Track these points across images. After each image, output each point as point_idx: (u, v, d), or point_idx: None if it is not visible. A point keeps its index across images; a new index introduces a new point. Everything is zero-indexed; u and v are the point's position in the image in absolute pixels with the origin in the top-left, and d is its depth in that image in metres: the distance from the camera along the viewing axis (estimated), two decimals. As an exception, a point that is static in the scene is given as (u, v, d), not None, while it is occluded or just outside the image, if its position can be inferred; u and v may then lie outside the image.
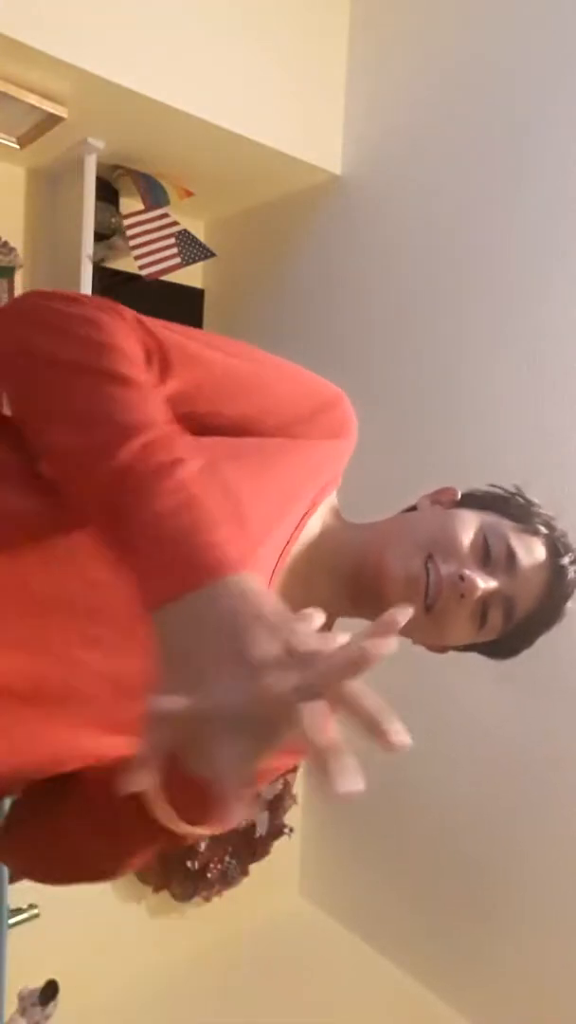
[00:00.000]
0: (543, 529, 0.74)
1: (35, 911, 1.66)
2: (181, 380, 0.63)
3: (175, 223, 2.25)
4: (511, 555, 0.71)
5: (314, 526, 0.75)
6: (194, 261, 2.30)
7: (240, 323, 2.67)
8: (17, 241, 2.28)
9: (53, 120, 1.96)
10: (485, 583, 0.69)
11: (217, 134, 2.07)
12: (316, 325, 2.39)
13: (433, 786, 2.05)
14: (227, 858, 2.15)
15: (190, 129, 2.05)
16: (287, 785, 2.27)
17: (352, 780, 0.38)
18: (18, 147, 2.13)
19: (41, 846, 0.68)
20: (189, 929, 2.16)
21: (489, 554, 0.71)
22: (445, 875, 2.03)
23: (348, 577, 0.73)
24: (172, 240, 2.24)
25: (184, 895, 2.11)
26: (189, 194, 2.42)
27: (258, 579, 0.47)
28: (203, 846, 2.05)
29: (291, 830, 2.29)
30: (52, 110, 1.91)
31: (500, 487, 0.79)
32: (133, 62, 1.86)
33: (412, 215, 2.13)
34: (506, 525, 0.73)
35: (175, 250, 2.24)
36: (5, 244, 2.23)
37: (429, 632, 0.72)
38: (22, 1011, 1.79)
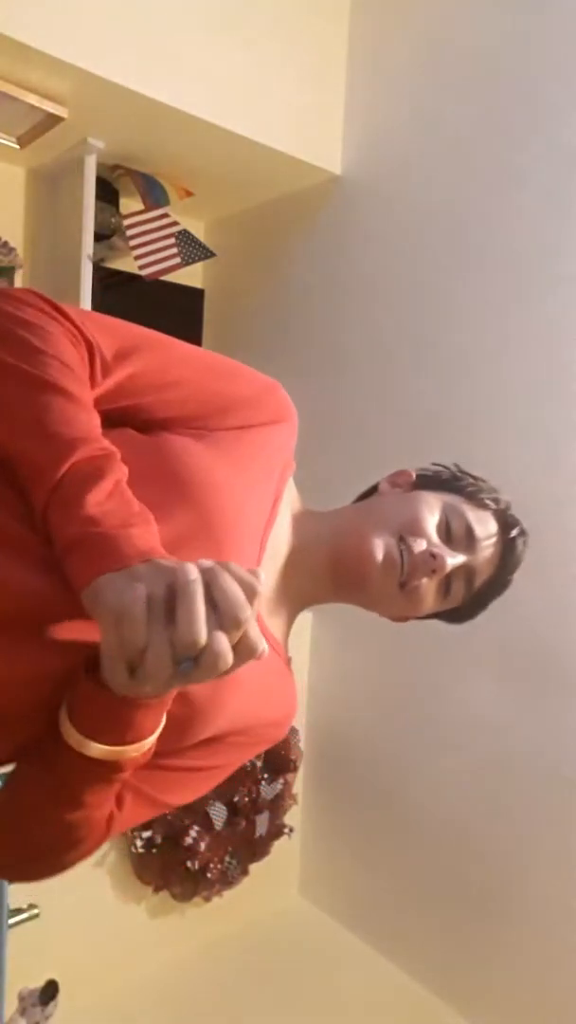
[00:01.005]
0: (492, 505, 0.82)
1: (35, 911, 1.66)
2: (122, 373, 0.68)
3: (175, 223, 2.25)
4: (470, 532, 0.79)
5: (284, 516, 0.79)
6: (194, 261, 2.30)
7: (240, 323, 2.67)
8: (17, 241, 2.28)
9: (53, 120, 1.96)
10: (454, 559, 0.76)
11: (217, 134, 2.07)
12: (316, 325, 2.39)
13: (433, 786, 2.05)
14: (227, 858, 2.15)
15: (190, 129, 2.06)
16: (287, 785, 2.26)
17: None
18: (18, 147, 2.13)
19: (12, 830, 0.68)
20: (189, 929, 2.16)
21: (450, 532, 0.78)
22: (445, 875, 2.03)
23: (326, 565, 0.79)
24: (172, 240, 2.24)
25: (184, 895, 2.11)
26: (189, 194, 2.42)
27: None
28: (203, 846, 2.05)
29: (291, 830, 2.29)
30: (52, 110, 1.92)
31: (443, 465, 0.87)
32: (133, 62, 1.86)
33: (412, 215, 2.13)
34: (463, 504, 0.80)
35: (175, 250, 2.24)
36: (5, 244, 2.23)
37: (401, 606, 0.79)
38: (22, 1011, 1.79)
